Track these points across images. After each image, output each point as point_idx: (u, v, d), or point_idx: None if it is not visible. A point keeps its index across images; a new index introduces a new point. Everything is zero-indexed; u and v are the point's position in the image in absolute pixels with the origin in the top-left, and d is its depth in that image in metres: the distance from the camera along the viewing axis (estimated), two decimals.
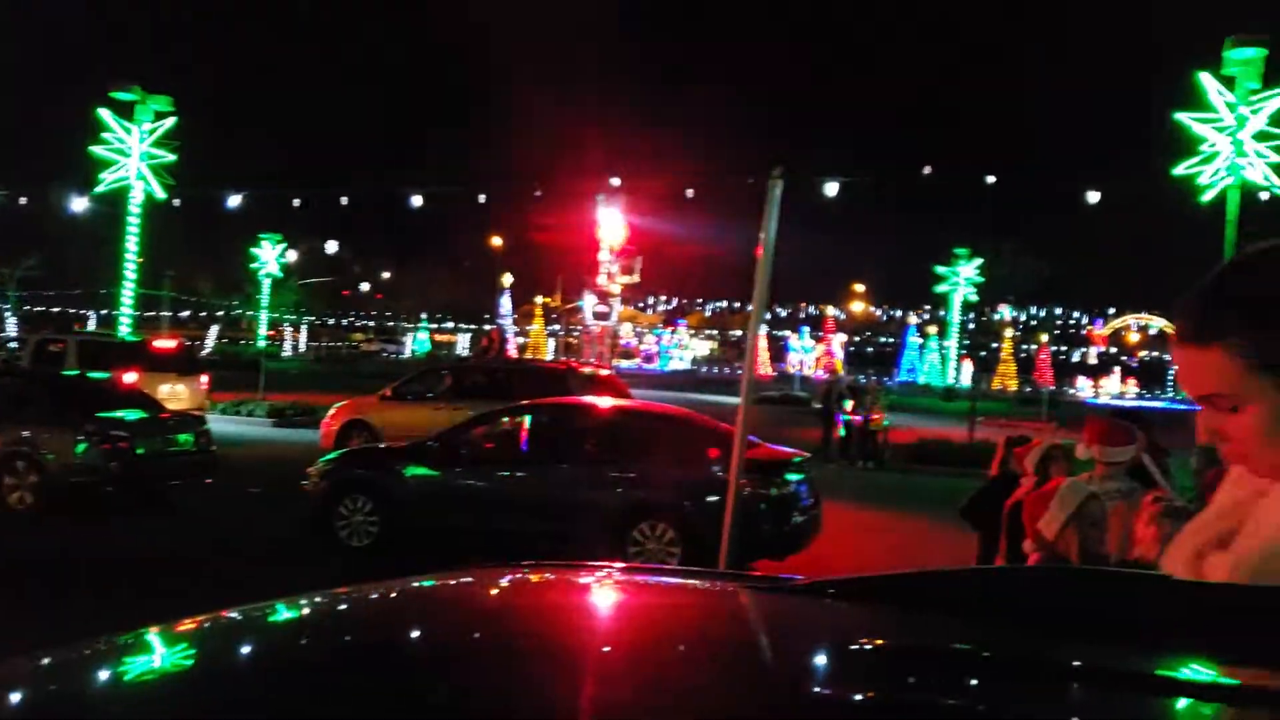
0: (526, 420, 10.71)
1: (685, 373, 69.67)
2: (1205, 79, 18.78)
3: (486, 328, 64.17)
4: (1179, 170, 19.19)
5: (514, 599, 1.26)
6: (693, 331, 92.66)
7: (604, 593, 1.28)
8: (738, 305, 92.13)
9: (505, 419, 10.95)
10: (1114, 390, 76.34)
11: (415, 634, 1.14)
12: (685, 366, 78.67)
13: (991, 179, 15.15)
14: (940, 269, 63.10)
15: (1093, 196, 14.13)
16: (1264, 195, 18.46)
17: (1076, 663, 0.95)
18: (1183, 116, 19.14)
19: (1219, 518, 1.39)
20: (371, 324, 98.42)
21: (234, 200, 29.74)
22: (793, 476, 9.53)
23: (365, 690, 0.89)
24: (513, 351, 58.74)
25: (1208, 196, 18.82)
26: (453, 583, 1.34)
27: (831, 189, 10.75)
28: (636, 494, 9.38)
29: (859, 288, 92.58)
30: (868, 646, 0.97)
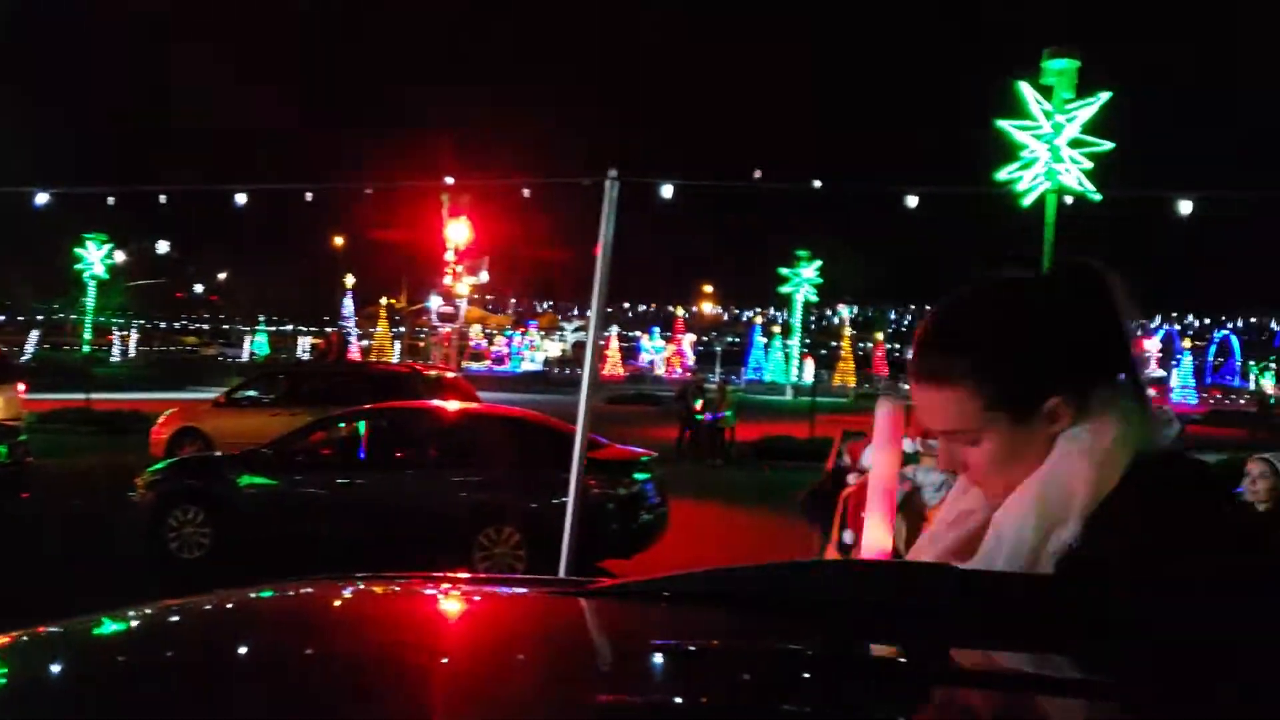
0: (367, 425, 10.46)
1: (537, 374, 69.42)
2: (1024, 88, 19.85)
3: (327, 330, 62.43)
4: (1001, 175, 20.20)
5: (302, 612, 1.20)
6: (544, 333, 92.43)
7: (399, 604, 1.23)
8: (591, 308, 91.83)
9: (345, 424, 10.67)
10: None
11: (202, 650, 1.07)
12: (537, 368, 78.39)
13: (818, 183, 15.56)
14: (783, 270, 64.79)
15: (912, 200, 14.68)
16: (1068, 199, 19.55)
17: (876, 654, 0.96)
18: (1004, 124, 20.18)
19: (950, 529, 1.42)
20: (206, 327, 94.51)
21: (42, 198, 27.97)
22: (640, 476, 9.58)
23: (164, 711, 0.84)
24: (355, 354, 57.36)
25: (1028, 201, 19.87)
26: (250, 596, 1.27)
27: (668, 190, 10.85)
28: (481, 498, 9.27)
29: (708, 288, 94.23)
30: (653, 647, 0.97)
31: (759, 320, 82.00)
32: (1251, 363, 69.01)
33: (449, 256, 40.06)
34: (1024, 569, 1.25)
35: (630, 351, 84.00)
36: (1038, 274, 1.40)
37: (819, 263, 63.94)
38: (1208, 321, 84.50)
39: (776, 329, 76.89)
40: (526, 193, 14.49)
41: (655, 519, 9.70)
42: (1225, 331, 77.61)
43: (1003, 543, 1.28)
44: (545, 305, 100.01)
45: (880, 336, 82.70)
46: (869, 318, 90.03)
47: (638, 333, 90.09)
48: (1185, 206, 14.04)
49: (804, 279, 63.42)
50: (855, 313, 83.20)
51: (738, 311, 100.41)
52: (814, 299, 67.06)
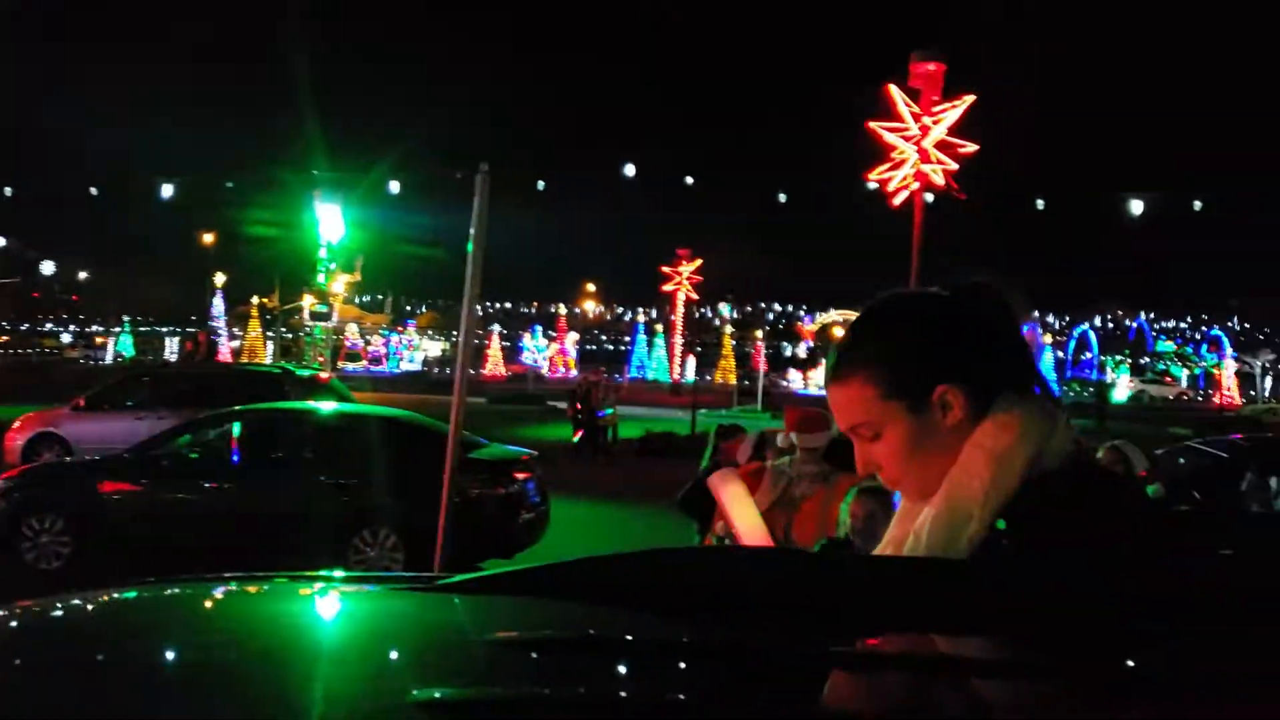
0: (237, 427, 10.16)
1: (416, 374, 68.25)
2: (893, 90, 20.43)
3: (195, 330, 60.24)
4: (873, 175, 20.77)
5: (128, 614, 1.16)
6: (424, 332, 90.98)
7: (229, 604, 1.20)
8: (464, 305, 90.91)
9: (212, 427, 10.34)
10: (821, 380, 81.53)
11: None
12: (416, 368, 77.07)
13: (690, 180, 15.72)
14: (665, 269, 65.26)
15: (782, 198, 15.00)
16: (905, 196, 20.18)
17: (712, 641, 0.97)
18: (875, 125, 20.73)
19: (897, 552, 1.46)
20: (63, 329, 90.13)
21: None
22: (521, 475, 9.54)
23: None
24: (226, 355, 55.51)
25: (898, 201, 20.47)
26: (72, 601, 1.23)
27: (542, 184, 10.87)
28: (356, 501, 9.09)
29: (591, 287, 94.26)
30: (497, 639, 0.96)
31: (642, 319, 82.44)
32: (1107, 357, 72.41)
33: (322, 254, 39.11)
34: (964, 548, 1.30)
35: (512, 351, 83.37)
36: (950, 290, 1.47)
37: (699, 261, 64.68)
38: (1067, 319, 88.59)
39: (659, 327, 77.44)
40: (395, 186, 14.28)
41: (536, 518, 9.67)
42: (1084, 327, 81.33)
43: (920, 543, 1.34)
44: (429, 305, 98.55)
45: (759, 335, 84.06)
46: (748, 316, 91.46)
47: (520, 331, 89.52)
48: (1041, 205, 14.69)
49: (685, 278, 64.06)
50: (735, 311, 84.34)
51: (620, 310, 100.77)
52: (695, 297, 67.80)
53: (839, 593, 1.08)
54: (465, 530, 8.39)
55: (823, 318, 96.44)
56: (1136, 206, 13.77)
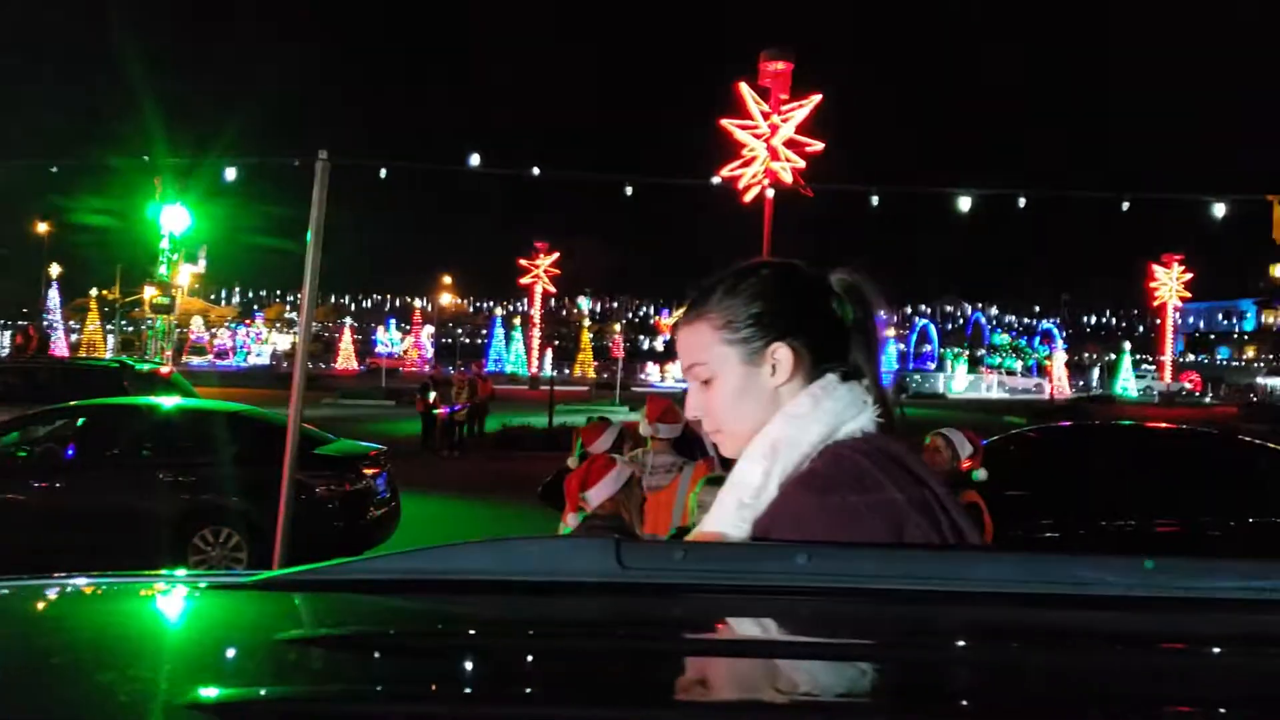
0: (70, 424, 9.70)
1: (264, 368, 66.04)
2: (743, 89, 20.82)
3: (25, 323, 56.75)
4: (725, 172, 21.11)
5: None
6: (273, 325, 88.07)
7: (32, 606, 1.17)
8: (320, 297, 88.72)
9: (45, 423, 9.84)
10: (679, 374, 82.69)
11: None
12: (265, 362, 74.56)
13: (536, 170, 15.60)
14: (523, 262, 64.99)
15: (628, 190, 15.15)
16: (756, 193, 20.66)
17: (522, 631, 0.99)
18: (727, 123, 21.10)
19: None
20: None
21: None
22: (369, 470, 9.38)
23: None
24: (62, 350, 52.55)
25: (749, 196, 20.87)
26: None
27: (384, 172, 10.64)
28: (196, 498, 8.79)
29: (447, 280, 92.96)
30: (297, 637, 0.94)
31: (500, 312, 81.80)
32: (946, 349, 75.64)
33: (164, 244, 37.42)
34: (748, 519, 1.36)
35: (366, 345, 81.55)
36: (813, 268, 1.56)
37: (557, 255, 64.65)
38: (909, 311, 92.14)
39: (517, 321, 77.00)
40: (231, 174, 13.81)
41: (386, 514, 9.53)
42: (924, 321, 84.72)
43: (710, 512, 1.41)
44: (278, 297, 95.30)
45: (618, 328, 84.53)
46: (606, 310, 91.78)
47: (373, 324, 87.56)
48: (868, 201, 15.31)
49: (543, 271, 63.94)
50: (593, 304, 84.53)
51: (478, 303, 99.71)
52: (553, 290, 67.75)
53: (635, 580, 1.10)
54: (311, 527, 8.22)
55: (679, 312, 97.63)
56: (965, 203, 14.48)
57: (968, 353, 72.95)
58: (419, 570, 1.08)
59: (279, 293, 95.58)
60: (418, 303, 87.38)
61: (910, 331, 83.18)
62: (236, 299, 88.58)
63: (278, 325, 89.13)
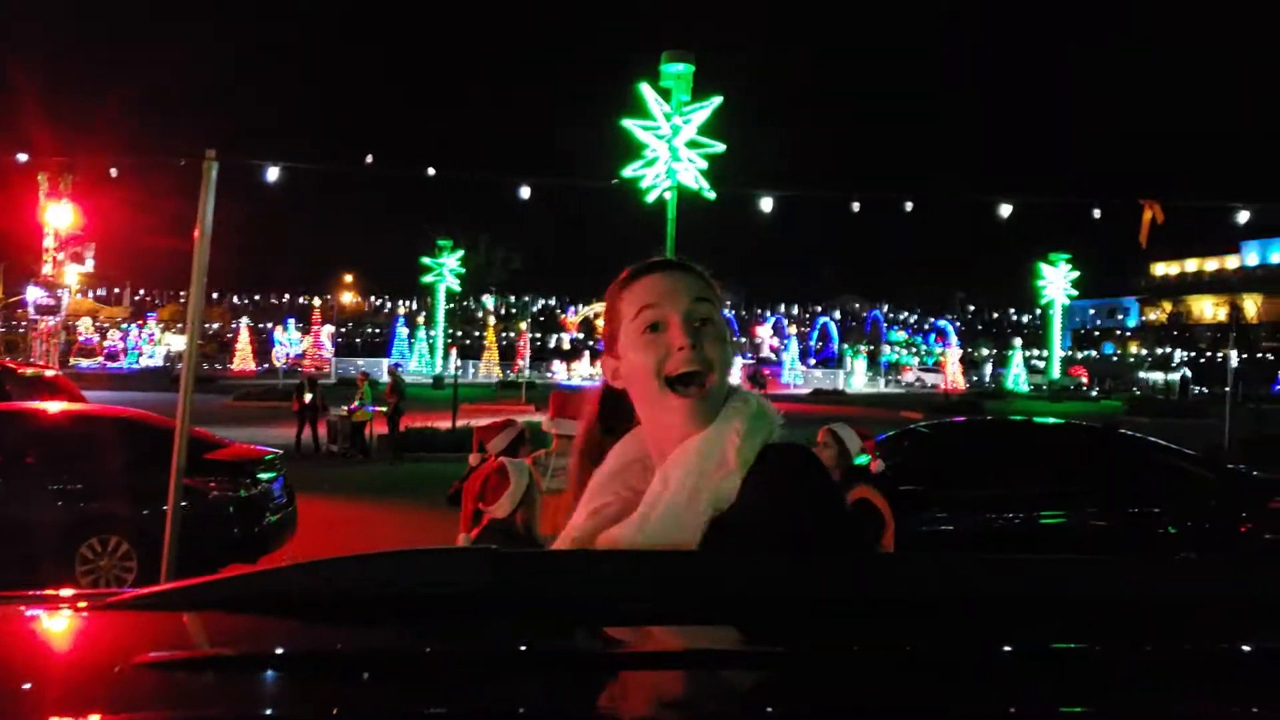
0: None
1: (158, 370, 63.95)
2: (645, 89, 20.89)
3: None
4: (627, 173, 21.15)
5: None
6: (166, 325, 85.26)
7: None
8: (215, 296, 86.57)
9: None
10: (585, 372, 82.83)
11: None
12: (158, 364, 72.16)
13: (432, 171, 15.39)
14: (426, 260, 64.09)
15: (524, 191, 15.11)
16: (658, 194, 20.75)
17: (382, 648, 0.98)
18: (628, 123, 21.14)
19: (589, 518, 1.53)
20: None
21: None
22: (264, 475, 9.18)
23: None
24: None
25: (651, 198, 20.94)
26: None
27: (274, 173, 10.38)
28: (84, 507, 8.49)
29: (349, 278, 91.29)
30: (150, 660, 0.91)
31: (402, 311, 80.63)
32: (846, 346, 77.09)
33: (49, 243, 35.97)
34: (682, 512, 1.38)
35: (263, 346, 79.54)
36: None
37: (461, 252, 63.94)
38: (810, 311, 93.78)
39: (420, 319, 75.96)
40: (114, 172, 13.38)
41: (282, 520, 9.34)
42: (824, 319, 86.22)
43: (669, 484, 1.42)
44: (171, 297, 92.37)
45: (524, 326, 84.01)
46: (512, 308, 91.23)
47: (271, 324, 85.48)
48: (768, 203, 15.53)
49: (447, 269, 63.19)
50: (498, 302, 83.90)
51: (379, 301, 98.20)
52: (457, 289, 66.97)
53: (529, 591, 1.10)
54: (204, 535, 8.02)
55: (585, 310, 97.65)
56: (856, 205, 14.85)
57: (867, 350, 74.43)
58: (283, 587, 1.06)
59: (173, 293, 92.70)
60: (317, 301, 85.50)
61: (811, 329, 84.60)
62: (128, 299, 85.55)
63: (173, 326, 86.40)
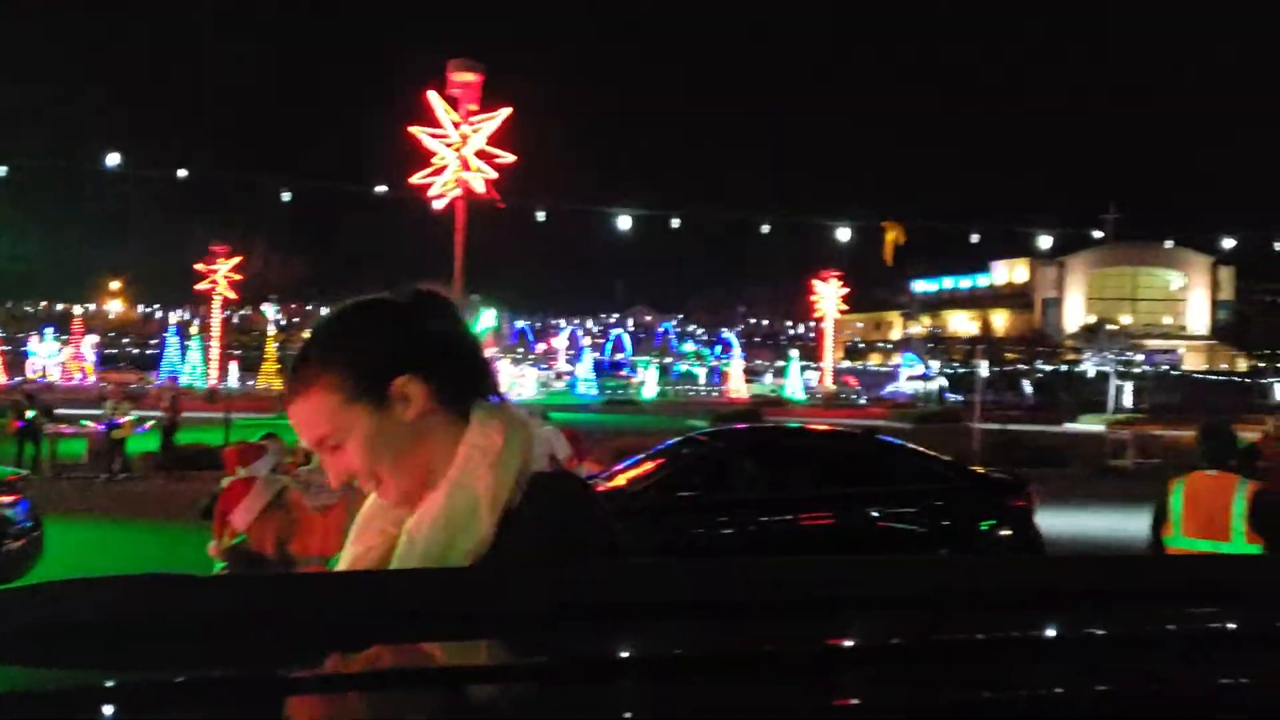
0: None
1: None
2: (433, 97, 20.59)
3: None
4: (415, 180, 20.82)
5: None
6: None
7: None
8: None
9: None
10: None
11: None
12: None
13: (183, 172, 14.76)
14: (200, 266, 60.86)
15: (286, 196, 14.74)
16: (447, 201, 20.64)
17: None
18: (417, 130, 20.79)
19: (356, 564, 1.48)
20: None
21: None
22: (5, 498, 8.48)
23: None
24: None
25: (440, 205, 20.70)
26: None
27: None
28: None
29: (115, 285, 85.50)
30: None
31: (175, 320, 76.19)
32: (639, 358, 78.46)
33: None
34: (435, 565, 1.32)
35: (17, 358, 73.34)
36: (401, 296, 1.50)
37: (238, 259, 61.10)
38: (604, 323, 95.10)
39: (195, 329, 71.97)
40: None
41: (26, 545, 8.64)
42: (619, 331, 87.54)
43: (415, 546, 1.35)
44: None
45: (307, 336, 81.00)
46: (295, 318, 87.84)
47: (26, 334, 78.90)
48: (554, 214, 15.69)
49: (223, 276, 60.20)
50: (280, 313, 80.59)
51: (149, 310, 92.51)
52: (234, 297, 63.86)
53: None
54: None
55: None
56: (625, 221, 15.24)
57: (658, 360, 76.00)
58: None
59: None
60: (78, 310, 79.49)
61: (605, 340, 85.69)
62: None
63: None
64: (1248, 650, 1.09)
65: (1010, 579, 1.28)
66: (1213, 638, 1.12)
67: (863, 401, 61.01)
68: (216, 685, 0.91)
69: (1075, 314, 79.86)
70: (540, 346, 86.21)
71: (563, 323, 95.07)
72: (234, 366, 65.61)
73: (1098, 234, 38.44)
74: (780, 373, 68.51)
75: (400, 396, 1.40)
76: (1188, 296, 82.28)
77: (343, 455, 1.41)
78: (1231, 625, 1.16)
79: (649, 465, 9.71)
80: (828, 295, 56.58)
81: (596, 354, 78.25)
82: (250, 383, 62.30)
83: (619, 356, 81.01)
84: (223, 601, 1.07)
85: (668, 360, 79.38)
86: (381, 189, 19.61)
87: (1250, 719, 0.97)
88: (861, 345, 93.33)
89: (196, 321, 73.56)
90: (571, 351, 76.94)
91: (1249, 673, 1.02)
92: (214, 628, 1.00)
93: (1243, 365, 70.37)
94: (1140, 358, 65.73)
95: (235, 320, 73.70)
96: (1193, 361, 74.57)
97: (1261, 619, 1.15)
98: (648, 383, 66.03)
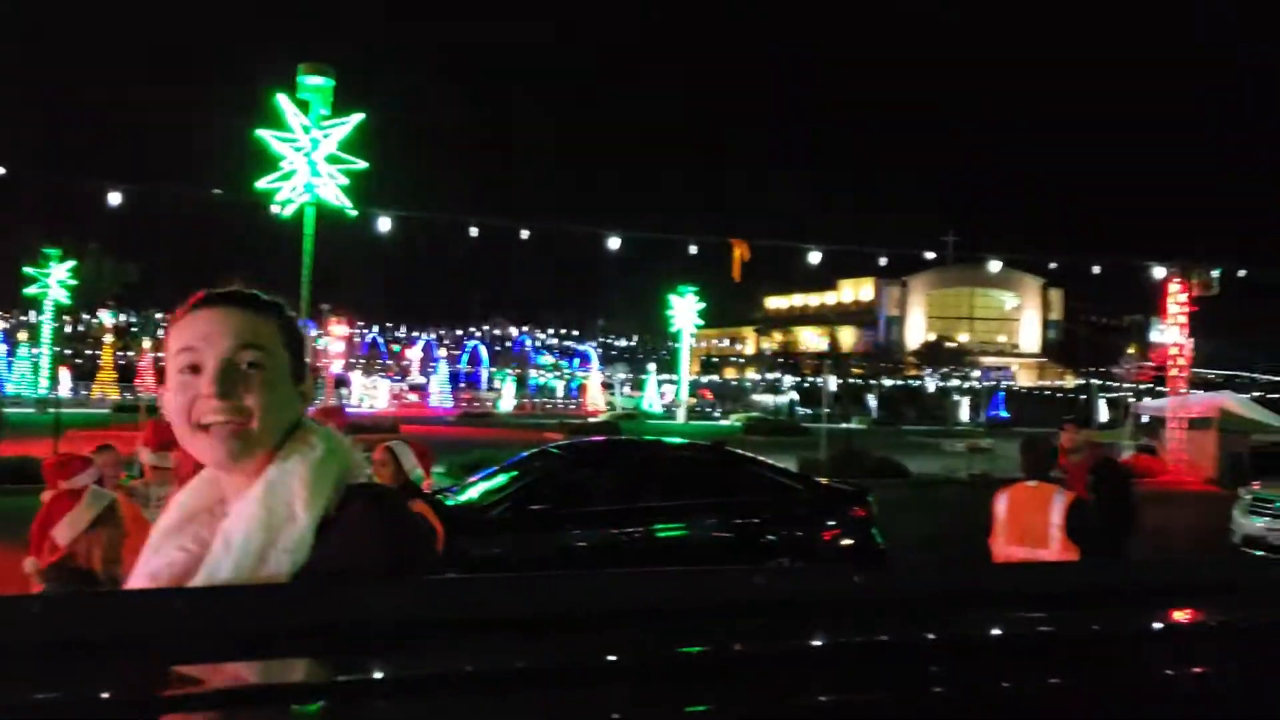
0: None
1: None
2: (282, 100, 19.99)
3: None
4: (261, 184, 20.17)
5: None
6: None
7: None
8: None
9: None
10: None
11: None
12: None
13: (3, 171, 14.00)
14: (30, 270, 57.45)
15: (115, 198, 14.15)
16: (295, 208, 20.16)
17: None
18: (264, 133, 20.15)
19: (168, 569, 1.45)
20: None
21: None
22: None
23: None
24: None
25: (288, 211, 20.13)
26: None
27: None
28: None
29: None
30: None
31: (3, 326, 71.70)
32: (494, 370, 77.78)
33: None
34: (251, 569, 1.33)
35: None
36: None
37: (72, 263, 57.94)
38: (459, 332, 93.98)
39: (24, 335, 67.83)
40: None
41: None
42: (475, 342, 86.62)
43: (231, 547, 1.36)
44: None
45: (146, 344, 77.38)
46: (134, 324, 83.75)
47: None
48: (403, 224, 15.50)
49: (55, 280, 56.95)
50: (118, 318, 76.72)
51: None
52: (67, 302, 60.46)
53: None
54: None
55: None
56: (473, 230, 15.25)
57: (517, 372, 75.53)
58: None
59: None
60: None
61: (462, 351, 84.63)
62: None
63: None
64: (1062, 652, 1.15)
65: (796, 589, 1.32)
66: (1029, 641, 1.18)
67: (717, 415, 62.04)
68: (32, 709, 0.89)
69: (917, 331, 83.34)
70: (391, 361, 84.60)
71: (417, 334, 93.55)
72: (65, 374, 62.20)
73: (929, 254, 40.21)
74: (638, 385, 69.05)
75: (306, 384, 1.53)
76: (1020, 316, 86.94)
77: (251, 378, 1.43)
78: (1047, 629, 1.21)
79: (502, 478, 9.68)
80: (684, 310, 57.41)
81: (452, 365, 77.24)
82: (84, 391, 59.17)
83: (475, 369, 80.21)
84: (43, 622, 1.05)
85: (525, 372, 78.95)
86: (218, 192, 18.91)
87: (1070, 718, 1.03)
88: (715, 360, 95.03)
89: (25, 327, 69.37)
90: (429, 363, 75.71)
91: (1066, 674, 1.08)
92: (28, 651, 0.99)
93: (1070, 381, 74.59)
94: (977, 373, 69.02)
95: (68, 329, 69.76)
96: (1025, 378, 78.70)
97: (1075, 622, 1.21)
98: (505, 395, 65.57)
